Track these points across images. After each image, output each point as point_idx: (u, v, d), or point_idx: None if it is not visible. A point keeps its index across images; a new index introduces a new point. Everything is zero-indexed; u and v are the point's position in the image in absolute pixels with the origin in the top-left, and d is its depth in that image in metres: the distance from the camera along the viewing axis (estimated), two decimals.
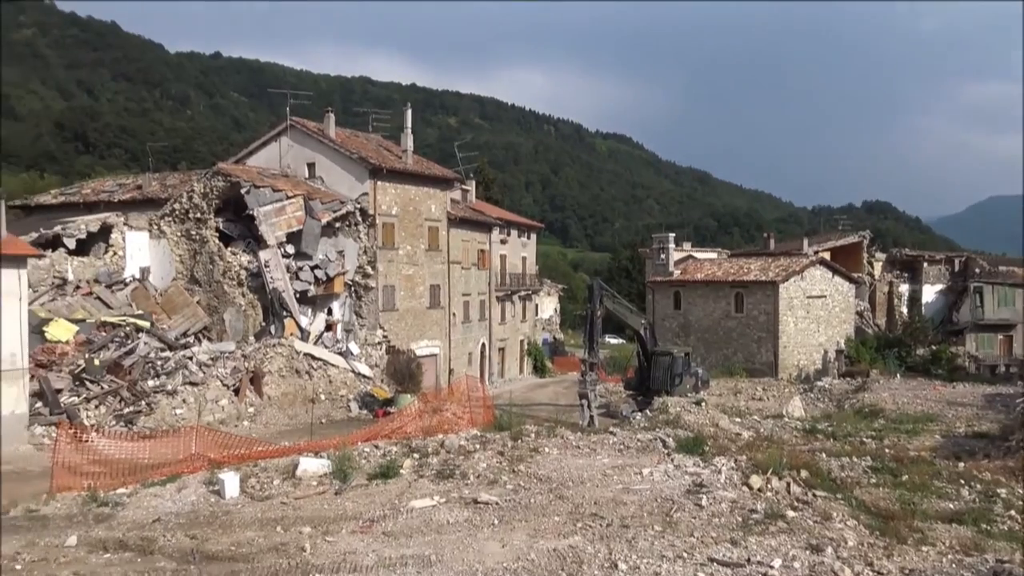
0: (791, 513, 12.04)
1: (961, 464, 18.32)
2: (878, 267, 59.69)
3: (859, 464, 17.40)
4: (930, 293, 58.58)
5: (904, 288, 59.14)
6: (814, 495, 13.42)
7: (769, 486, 13.58)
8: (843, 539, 10.99)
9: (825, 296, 49.12)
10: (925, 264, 59.14)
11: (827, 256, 53.45)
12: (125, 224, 37.41)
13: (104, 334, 31.24)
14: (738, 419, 26.83)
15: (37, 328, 28.65)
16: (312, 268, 36.91)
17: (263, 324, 35.37)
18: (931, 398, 34.61)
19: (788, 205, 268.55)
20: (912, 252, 62.59)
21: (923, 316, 55.67)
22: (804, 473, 14.61)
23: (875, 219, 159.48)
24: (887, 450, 20.27)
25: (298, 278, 36.34)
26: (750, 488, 13.48)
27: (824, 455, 18.22)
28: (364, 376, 36.21)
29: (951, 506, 14.14)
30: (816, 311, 48.47)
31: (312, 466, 15.28)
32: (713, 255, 60.57)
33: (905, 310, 57.99)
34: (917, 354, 48.55)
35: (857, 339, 50.92)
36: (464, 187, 53.13)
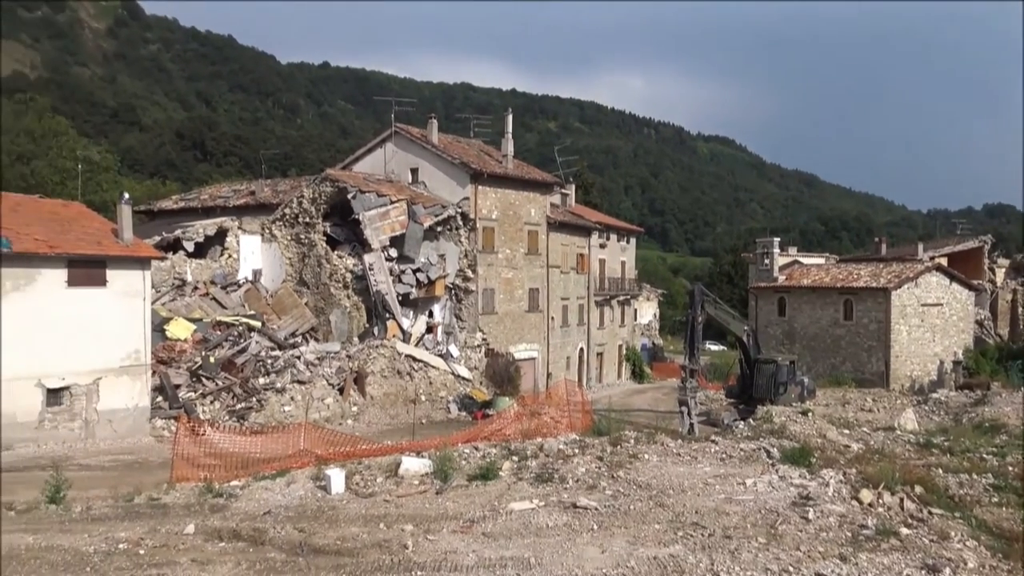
0: (905, 530, 11.50)
1: None
2: (1000, 274, 56.49)
3: (979, 482, 16.43)
4: None
5: None
6: (930, 512, 12.78)
7: (880, 501, 13.02)
8: (962, 560, 10.42)
9: (941, 304, 46.77)
10: None
11: (944, 262, 50.89)
12: (239, 228, 39.12)
13: (219, 333, 32.74)
14: (846, 430, 25.78)
15: (159, 326, 30.29)
16: (414, 271, 37.67)
17: (367, 325, 36.32)
18: None
19: (901, 208, 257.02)
20: None
21: None
22: (919, 489, 13.94)
23: (997, 223, 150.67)
24: (1010, 468, 19.10)
25: (401, 281, 37.16)
26: (860, 503, 12.95)
27: (940, 471, 17.31)
28: (463, 378, 36.70)
29: None
30: (931, 319, 46.22)
31: (414, 465, 15.56)
32: (820, 260, 58.64)
33: None
34: None
35: (976, 349, 48.26)
36: (563, 191, 53.17)
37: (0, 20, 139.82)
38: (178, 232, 38.74)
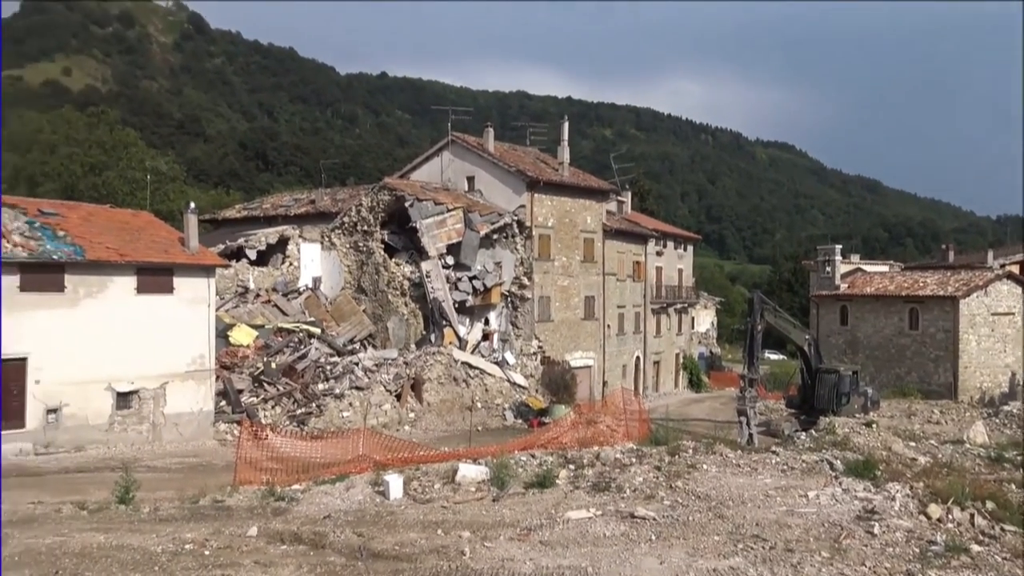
0: (976, 547, 11.13)
1: None
2: None
3: None
4: None
5: None
6: (1002, 529, 12.34)
7: (950, 517, 12.62)
8: None
9: (1013, 313, 45.19)
10: None
11: (1015, 269, 49.18)
12: (300, 236, 39.86)
13: (280, 339, 33.38)
14: (913, 443, 25.07)
15: (222, 333, 31.02)
16: (470, 279, 37.88)
17: (423, 332, 36.62)
18: None
19: (969, 214, 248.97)
20: None
21: None
22: (990, 505, 13.47)
23: None
24: None
25: (457, 288, 37.40)
26: (928, 518, 12.57)
27: (1013, 486, 16.71)
28: (519, 386, 36.73)
29: None
30: (1002, 329, 44.68)
31: (471, 472, 15.62)
32: (884, 268, 57.16)
33: None
34: None
35: None
36: (620, 198, 52.92)
37: None
38: (241, 240, 39.65)
